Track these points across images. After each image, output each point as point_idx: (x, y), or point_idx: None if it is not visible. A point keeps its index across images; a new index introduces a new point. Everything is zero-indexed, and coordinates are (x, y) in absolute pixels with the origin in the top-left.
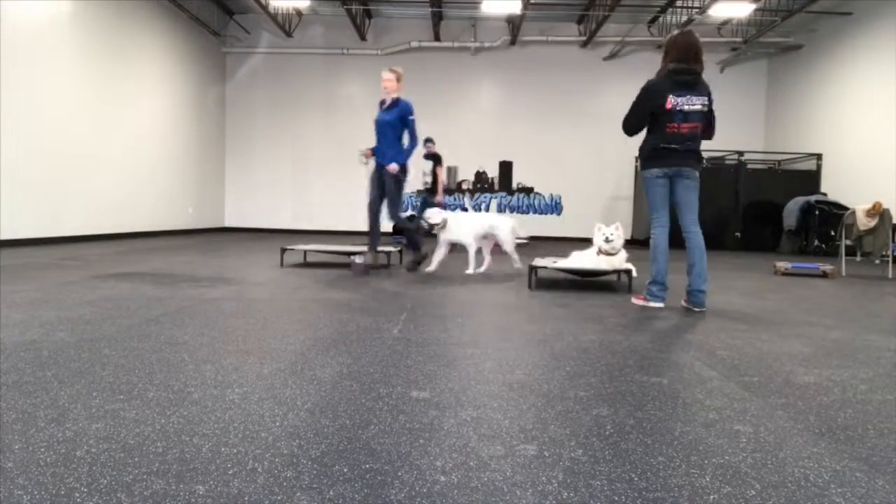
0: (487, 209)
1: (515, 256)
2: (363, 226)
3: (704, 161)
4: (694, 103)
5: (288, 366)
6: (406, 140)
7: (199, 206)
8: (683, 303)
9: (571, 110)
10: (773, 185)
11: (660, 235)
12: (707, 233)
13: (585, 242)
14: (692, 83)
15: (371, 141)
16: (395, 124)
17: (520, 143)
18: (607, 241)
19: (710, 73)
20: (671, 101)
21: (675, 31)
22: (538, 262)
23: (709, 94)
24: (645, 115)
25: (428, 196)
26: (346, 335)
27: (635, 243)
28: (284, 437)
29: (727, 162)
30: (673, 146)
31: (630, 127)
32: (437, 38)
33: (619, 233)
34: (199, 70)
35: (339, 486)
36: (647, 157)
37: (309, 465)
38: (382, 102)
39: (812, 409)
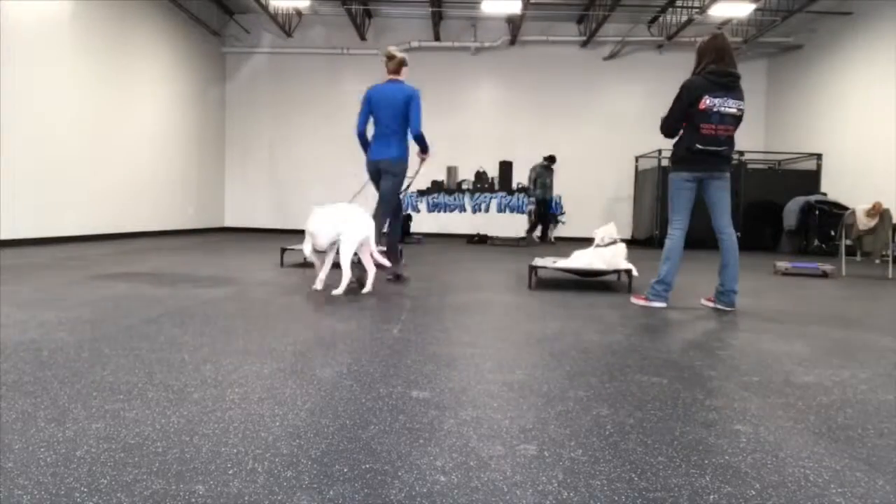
0: (487, 209)
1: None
2: None
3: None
4: (730, 106)
5: (288, 366)
6: None
7: (199, 206)
8: (705, 301)
9: (571, 110)
10: (773, 185)
11: (678, 238)
12: (707, 233)
13: (585, 242)
14: (730, 85)
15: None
16: None
17: (520, 143)
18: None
19: None
20: (706, 101)
21: (706, 36)
22: (538, 262)
23: (743, 100)
24: (682, 114)
25: None
26: (346, 335)
27: (635, 243)
28: (284, 437)
29: None
30: (710, 148)
31: (669, 127)
32: (437, 38)
33: (612, 230)
34: (199, 70)
35: (339, 486)
36: (680, 160)
37: (309, 465)
38: None
39: (812, 409)
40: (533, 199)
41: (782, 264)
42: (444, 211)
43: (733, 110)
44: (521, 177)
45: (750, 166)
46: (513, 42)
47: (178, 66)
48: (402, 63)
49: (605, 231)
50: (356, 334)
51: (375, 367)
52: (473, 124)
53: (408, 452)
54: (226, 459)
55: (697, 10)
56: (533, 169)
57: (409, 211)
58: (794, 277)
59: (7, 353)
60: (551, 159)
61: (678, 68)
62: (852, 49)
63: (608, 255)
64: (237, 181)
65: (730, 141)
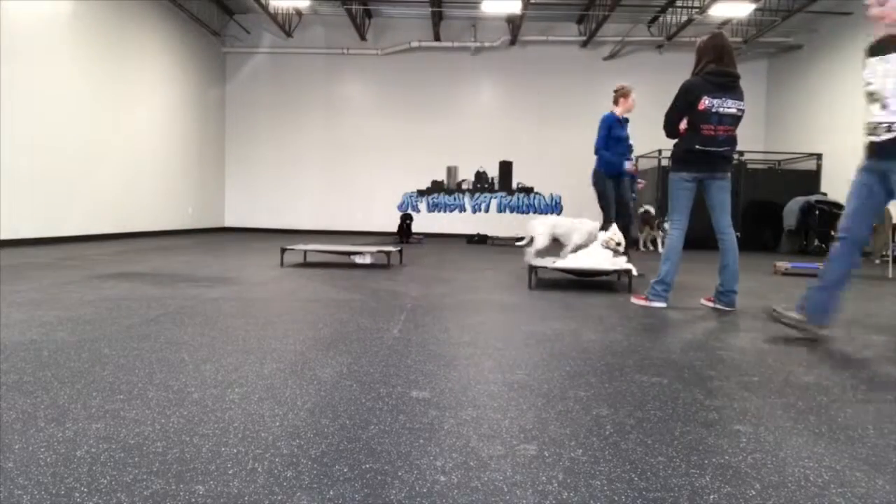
0: (487, 209)
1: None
2: (362, 225)
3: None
4: (729, 107)
5: (288, 366)
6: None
7: (199, 206)
8: (705, 301)
9: (571, 110)
10: (773, 185)
11: (677, 238)
12: (707, 233)
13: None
14: (729, 86)
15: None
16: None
17: (520, 143)
18: (618, 244)
19: None
20: (705, 102)
21: (705, 35)
22: (538, 262)
23: (743, 100)
24: (680, 115)
25: None
26: (346, 335)
27: (636, 243)
28: (284, 437)
29: None
30: (709, 149)
31: (670, 128)
32: (437, 38)
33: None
34: (199, 70)
35: (339, 486)
36: (680, 160)
37: (309, 465)
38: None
39: (812, 409)
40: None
41: (782, 264)
42: (444, 211)
43: (733, 111)
44: (520, 177)
45: (750, 166)
46: (513, 42)
47: (178, 67)
48: (620, 95)
49: (611, 236)
50: (356, 334)
51: (375, 367)
52: (473, 124)
53: (408, 452)
54: (226, 459)
55: (697, 10)
56: None
57: (409, 211)
58: (794, 277)
59: (7, 353)
60: None
61: (678, 68)
62: (852, 49)
63: (617, 262)
64: (237, 181)
65: (730, 141)
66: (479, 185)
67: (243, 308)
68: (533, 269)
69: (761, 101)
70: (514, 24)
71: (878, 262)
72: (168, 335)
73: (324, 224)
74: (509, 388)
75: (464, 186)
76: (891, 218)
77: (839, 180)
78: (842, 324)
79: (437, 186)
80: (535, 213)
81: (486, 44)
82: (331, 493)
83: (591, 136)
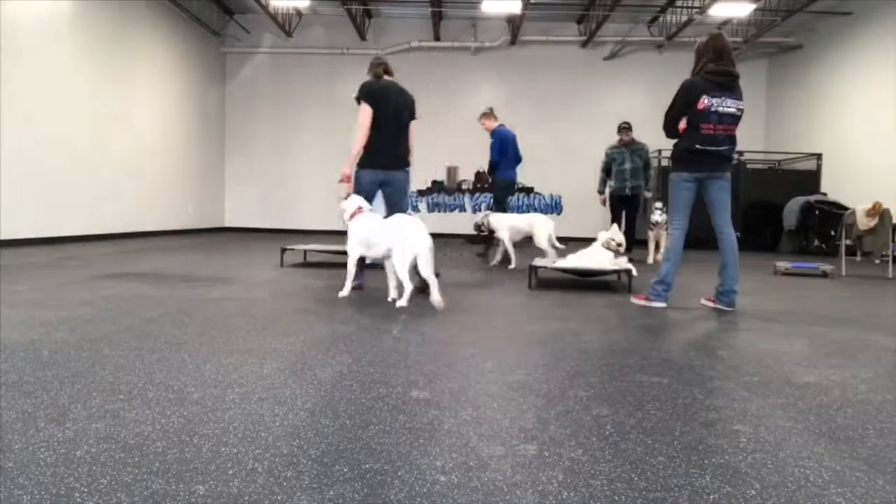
0: (489, 209)
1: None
2: None
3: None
4: (729, 106)
5: (288, 366)
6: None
7: (199, 205)
8: (705, 301)
9: (571, 110)
10: (773, 185)
11: (678, 238)
12: (707, 233)
13: (585, 242)
14: (729, 85)
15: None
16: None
17: (519, 143)
18: (619, 245)
19: None
20: (704, 101)
21: (705, 36)
22: (538, 262)
23: (742, 99)
24: (680, 115)
25: None
26: (346, 335)
27: (636, 243)
28: (284, 437)
29: None
30: (710, 148)
31: (668, 128)
32: (437, 38)
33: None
34: (199, 70)
35: (339, 486)
36: (679, 160)
37: (309, 465)
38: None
39: (812, 409)
40: (604, 197)
41: (782, 264)
42: (444, 211)
43: (732, 110)
44: (520, 176)
45: (750, 166)
46: (513, 42)
47: (178, 67)
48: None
49: (612, 236)
50: (356, 334)
51: (375, 367)
52: (473, 124)
53: (408, 452)
54: (226, 459)
55: (697, 10)
56: (606, 154)
57: (410, 211)
58: (794, 277)
59: (7, 353)
60: (623, 129)
61: (678, 68)
62: (852, 49)
63: (617, 262)
64: (237, 181)
65: (730, 140)
66: (479, 185)
67: (243, 308)
68: (533, 269)
69: (761, 101)
70: (514, 24)
71: (878, 262)
72: (168, 335)
73: (324, 224)
74: (509, 388)
75: (464, 186)
76: (891, 218)
77: (839, 180)
78: (842, 324)
79: (437, 186)
80: (535, 213)
81: (486, 44)
82: (331, 493)
83: (591, 136)
